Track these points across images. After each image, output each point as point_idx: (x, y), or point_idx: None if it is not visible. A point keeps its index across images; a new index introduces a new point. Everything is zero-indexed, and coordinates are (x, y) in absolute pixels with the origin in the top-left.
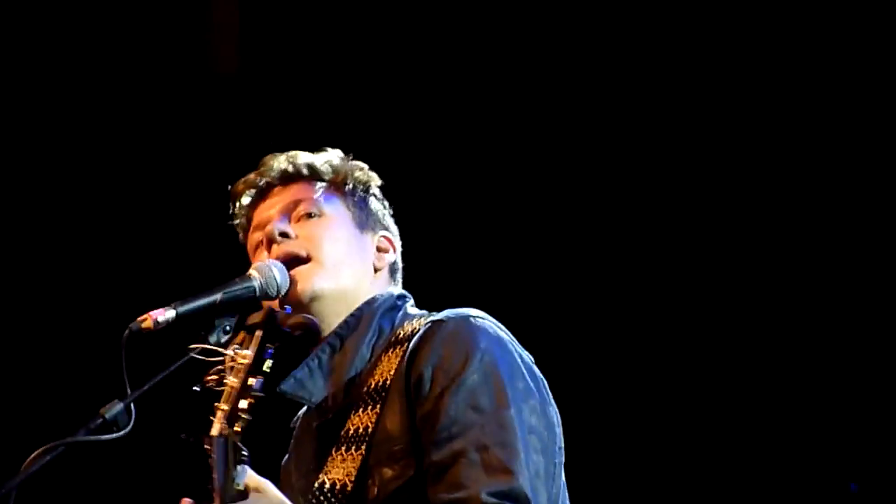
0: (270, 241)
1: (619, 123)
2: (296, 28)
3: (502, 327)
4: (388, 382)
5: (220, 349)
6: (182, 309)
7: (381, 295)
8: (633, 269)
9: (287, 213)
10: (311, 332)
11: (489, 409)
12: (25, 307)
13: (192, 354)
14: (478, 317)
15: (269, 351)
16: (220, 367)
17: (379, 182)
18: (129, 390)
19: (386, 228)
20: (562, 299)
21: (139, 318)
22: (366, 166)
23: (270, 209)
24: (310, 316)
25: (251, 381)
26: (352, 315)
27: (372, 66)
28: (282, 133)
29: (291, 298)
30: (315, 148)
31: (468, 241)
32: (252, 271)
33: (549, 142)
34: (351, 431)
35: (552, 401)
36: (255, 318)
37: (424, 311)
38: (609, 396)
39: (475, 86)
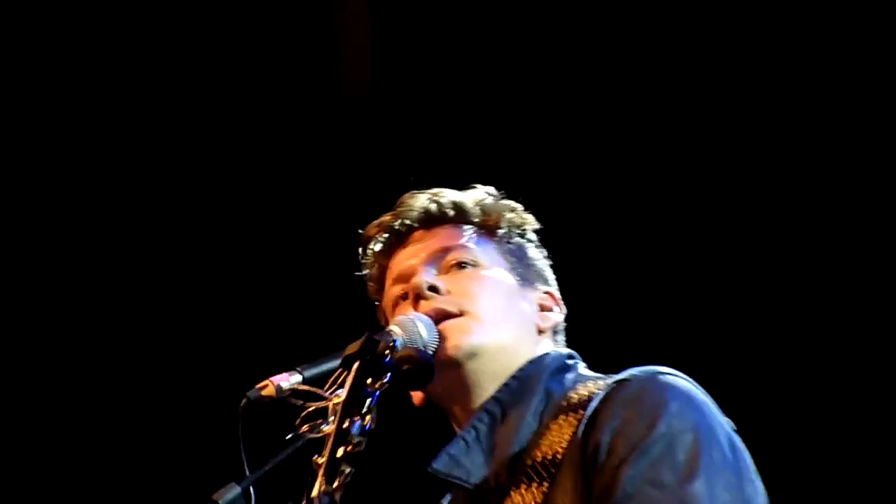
0: (417, 297)
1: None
2: (431, 49)
3: (698, 387)
4: (558, 455)
5: (316, 390)
6: (310, 373)
7: (549, 354)
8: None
9: (433, 263)
10: (422, 369)
11: (672, 483)
12: (122, 366)
13: (291, 400)
14: (669, 373)
15: (374, 392)
16: (316, 409)
17: (536, 226)
18: (247, 471)
19: (547, 283)
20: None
21: (258, 385)
22: (519, 207)
23: (412, 258)
24: (423, 350)
25: (346, 423)
26: (514, 377)
27: (517, 90)
28: (417, 165)
29: (441, 357)
30: (454, 182)
31: (638, 296)
32: (393, 326)
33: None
34: None
35: (755, 476)
36: (352, 348)
37: (600, 375)
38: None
39: (637, 107)
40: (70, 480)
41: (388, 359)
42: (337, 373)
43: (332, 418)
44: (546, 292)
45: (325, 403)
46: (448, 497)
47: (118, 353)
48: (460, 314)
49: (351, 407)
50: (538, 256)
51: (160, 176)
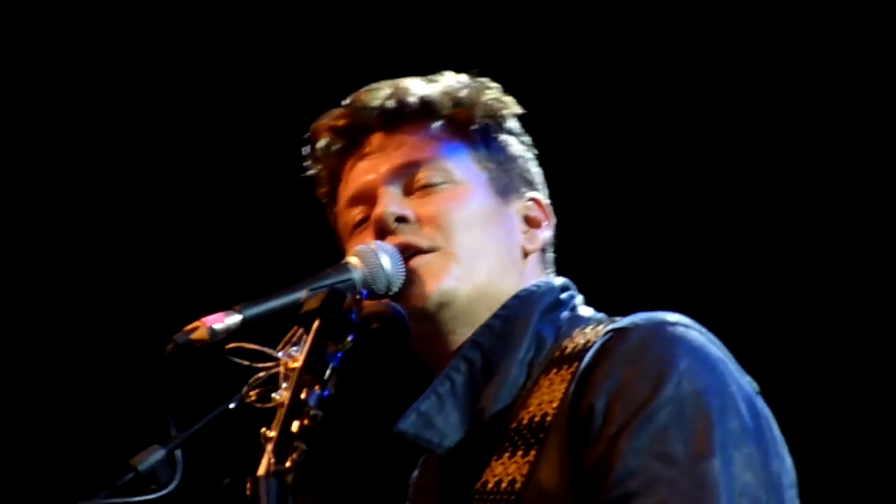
0: (382, 231)
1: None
2: None
3: (714, 340)
4: (547, 418)
5: (266, 350)
6: (250, 312)
7: (538, 287)
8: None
9: (398, 181)
10: (395, 327)
11: (683, 458)
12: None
13: (230, 357)
14: (678, 323)
15: (336, 354)
16: (266, 374)
17: (518, 111)
18: (172, 431)
19: (532, 185)
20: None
21: (188, 327)
22: (495, 88)
23: (371, 172)
24: (398, 307)
25: (303, 393)
26: (496, 316)
27: None
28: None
29: (408, 301)
30: (423, 72)
31: (648, 217)
32: (351, 258)
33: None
34: (490, 484)
35: (782, 449)
36: (311, 303)
37: (602, 315)
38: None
39: None
40: None
41: (353, 314)
42: (293, 331)
43: (284, 385)
44: (532, 199)
45: (275, 366)
46: (421, 460)
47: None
48: (431, 250)
49: (308, 373)
50: (520, 152)
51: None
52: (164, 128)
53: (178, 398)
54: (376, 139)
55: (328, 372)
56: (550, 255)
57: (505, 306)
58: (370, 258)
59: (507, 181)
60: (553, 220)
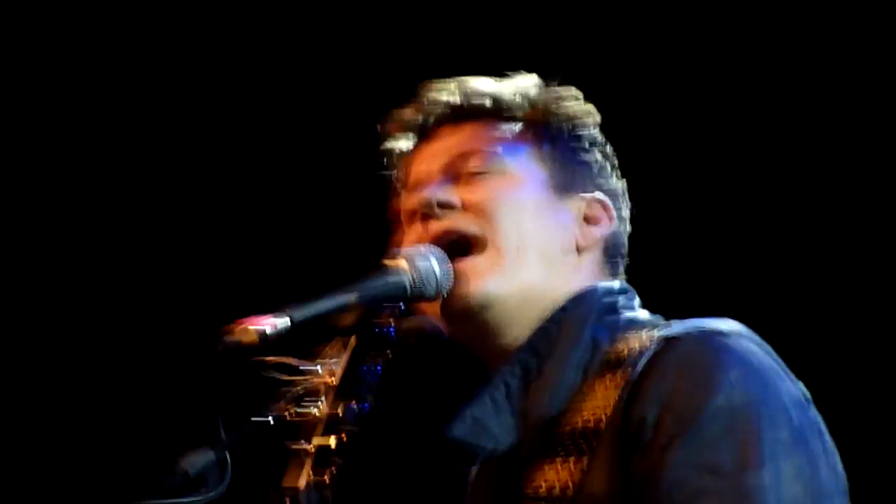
0: (426, 215)
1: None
2: None
3: (768, 349)
4: (601, 425)
5: (304, 364)
6: (300, 315)
7: (595, 289)
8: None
9: (451, 171)
10: (432, 342)
11: (731, 469)
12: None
13: (267, 373)
14: (730, 333)
15: (372, 368)
16: (302, 388)
17: (597, 119)
18: (222, 434)
19: (599, 187)
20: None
21: (237, 329)
22: (575, 95)
23: (429, 162)
24: (430, 319)
25: (340, 408)
26: (552, 320)
27: None
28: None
29: (454, 302)
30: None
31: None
32: (399, 260)
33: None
34: (543, 489)
35: (834, 457)
36: (347, 319)
37: (657, 318)
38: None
39: None
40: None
41: (391, 330)
42: (332, 343)
43: (322, 399)
44: (596, 200)
45: (314, 380)
46: (475, 469)
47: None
48: (475, 242)
49: (345, 389)
50: (592, 157)
51: None
52: (215, 130)
53: (225, 401)
54: (444, 132)
55: (366, 387)
56: (618, 260)
57: (563, 308)
58: (418, 260)
59: (568, 179)
60: (615, 222)
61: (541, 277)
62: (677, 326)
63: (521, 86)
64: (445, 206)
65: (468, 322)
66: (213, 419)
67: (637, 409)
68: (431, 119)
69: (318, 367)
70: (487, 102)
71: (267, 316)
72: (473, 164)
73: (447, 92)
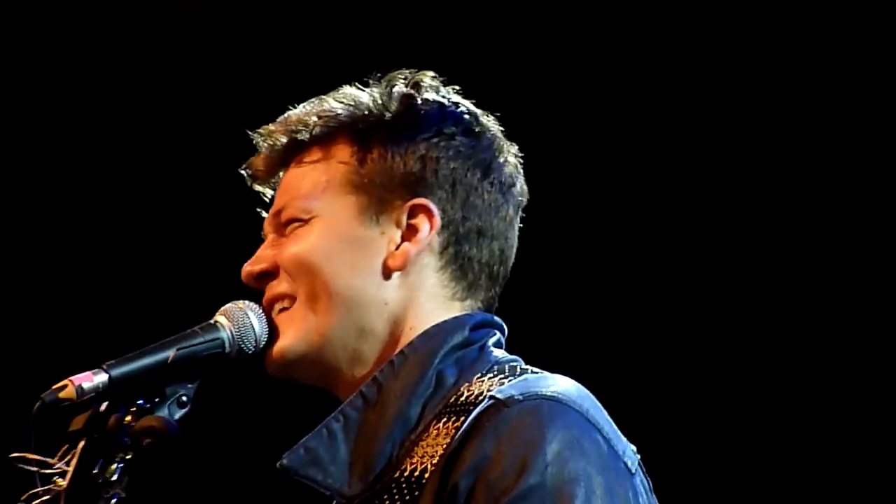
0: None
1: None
2: None
3: (597, 414)
4: (425, 475)
5: (47, 460)
6: (118, 372)
7: (446, 323)
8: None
9: (276, 226)
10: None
11: None
12: None
13: (17, 463)
14: (558, 399)
15: (116, 467)
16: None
17: (430, 81)
18: (38, 485)
19: (415, 188)
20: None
21: (56, 386)
22: (381, 87)
23: (268, 218)
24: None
25: None
26: (401, 352)
27: None
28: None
29: (270, 356)
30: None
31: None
32: (219, 318)
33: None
34: None
35: None
36: (77, 422)
37: (509, 360)
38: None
39: None
40: None
41: (120, 434)
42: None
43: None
44: (415, 206)
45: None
46: None
47: None
48: (288, 299)
49: (77, 494)
50: (407, 150)
51: None
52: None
53: (48, 454)
54: (284, 174)
55: (103, 487)
56: (478, 278)
57: (410, 343)
58: (238, 317)
59: (380, 194)
60: (438, 224)
61: (353, 318)
62: (509, 387)
63: (322, 105)
64: (262, 276)
65: (290, 372)
66: (30, 474)
67: (454, 474)
68: (269, 164)
69: (59, 463)
70: (289, 137)
71: (88, 372)
72: (286, 216)
73: (276, 134)
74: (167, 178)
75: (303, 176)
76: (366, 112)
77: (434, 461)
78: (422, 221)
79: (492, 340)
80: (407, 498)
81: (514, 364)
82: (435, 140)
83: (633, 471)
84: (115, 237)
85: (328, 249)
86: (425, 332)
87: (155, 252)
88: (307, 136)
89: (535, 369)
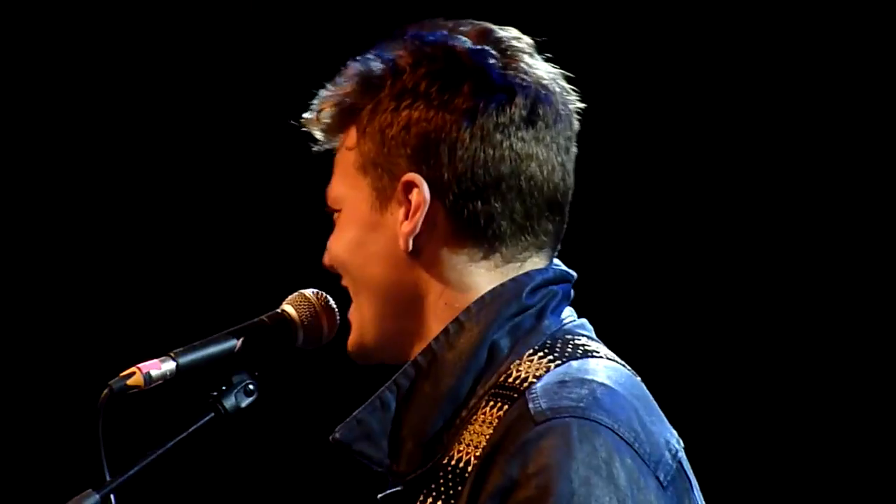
0: None
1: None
2: None
3: (634, 416)
4: (468, 468)
5: None
6: (185, 360)
7: (503, 288)
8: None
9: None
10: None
11: None
12: None
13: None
14: (591, 416)
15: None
16: None
17: (409, 65)
18: (107, 475)
19: (410, 159)
20: None
21: (123, 373)
22: (373, 62)
23: None
24: None
25: None
26: (456, 320)
27: None
28: None
29: (348, 351)
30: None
31: None
32: (286, 307)
33: None
34: None
35: None
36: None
37: (569, 330)
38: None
39: None
40: None
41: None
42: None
43: None
44: (405, 182)
45: None
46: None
47: None
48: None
49: None
50: (406, 122)
51: None
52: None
53: (113, 443)
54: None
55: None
56: (503, 238)
57: (467, 310)
58: (305, 307)
59: (380, 175)
60: (428, 197)
61: (390, 305)
62: (549, 378)
63: (336, 86)
64: (330, 269)
65: (366, 361)
66: (99, 462)
67: (482, 496)
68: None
69: None
70: (321, 128)
71: (156, 360)
72: (330, 207)
73: (311, 122)
74: (237, 170)
75: (334, 165)
76: (355, 88)
77: (477, 453)
78: (414, 196)
79: (553, 303)
80: (451, 492)
81: (568, 338)
82: (417, 104)
83: (666, 483)
84: (179, 228)
85: (351, 242)
86: (481, 299)
87: (223, 240)
88: (324, 129)
89: (587, 344)
